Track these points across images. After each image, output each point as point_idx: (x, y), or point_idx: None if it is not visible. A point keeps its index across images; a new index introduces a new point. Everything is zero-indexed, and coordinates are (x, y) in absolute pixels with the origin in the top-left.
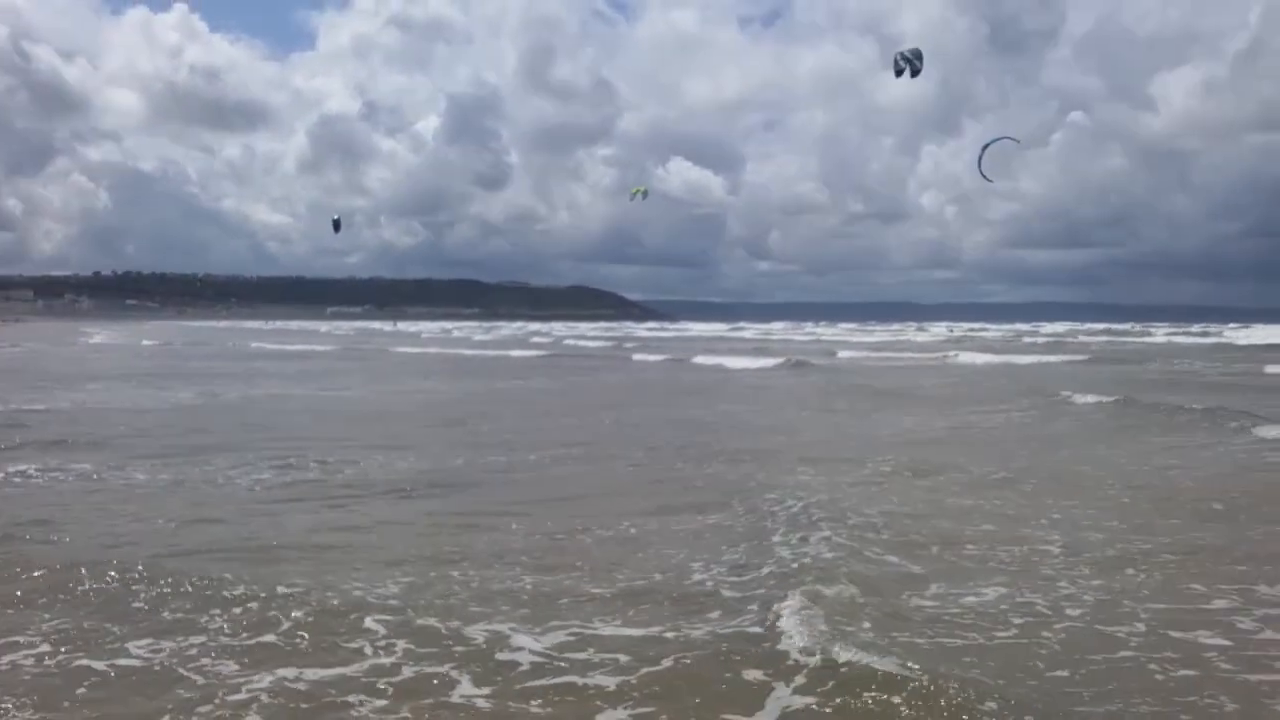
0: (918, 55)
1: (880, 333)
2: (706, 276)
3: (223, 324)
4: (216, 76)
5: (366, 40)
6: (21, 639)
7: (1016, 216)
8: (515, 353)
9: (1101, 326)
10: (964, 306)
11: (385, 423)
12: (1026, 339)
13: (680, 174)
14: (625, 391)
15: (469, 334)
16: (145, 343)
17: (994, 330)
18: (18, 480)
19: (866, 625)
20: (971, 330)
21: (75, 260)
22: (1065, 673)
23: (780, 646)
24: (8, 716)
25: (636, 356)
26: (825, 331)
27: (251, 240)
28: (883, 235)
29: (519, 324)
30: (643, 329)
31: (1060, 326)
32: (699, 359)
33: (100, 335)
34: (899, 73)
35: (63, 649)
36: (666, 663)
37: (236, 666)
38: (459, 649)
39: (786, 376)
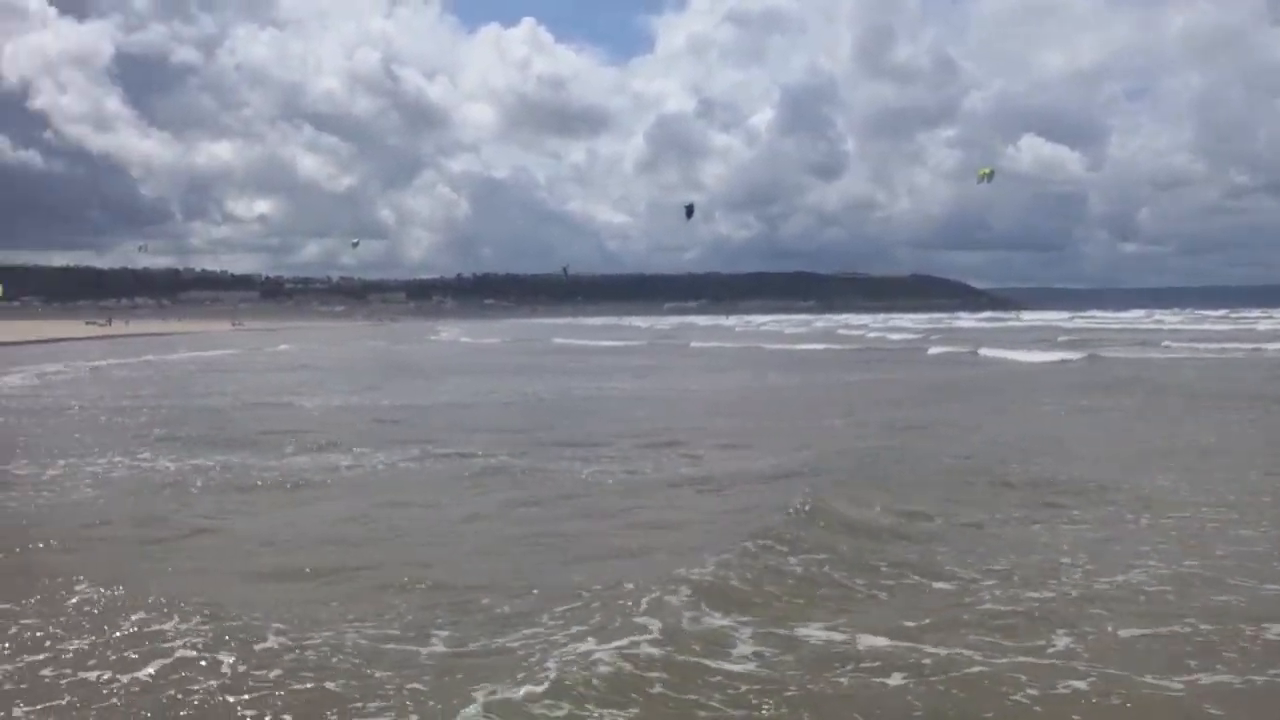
0: None
1: (1249, 320)
2: (1063, 260)
3: (562, 321)
4: (562, 85)
5: (703, 39)
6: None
7: None
8: (805, 346)
9: None
10: None
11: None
12: None
13: (1032, 151)
14: (871, 390)
15: (780, 328)
16: (464, 340)
17: None
18: (389, 465)
19: None
20: None
21: (440, 264)
22: None
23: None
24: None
25: (932, 350)
26: (1176, 319)
27: (595, 240)
28: (1275, 210)
29: (845, 316)
30: (971, 319)
31: None
32: (986, 352)
33: (445, 333)
34: None
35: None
36: None
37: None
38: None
39: (1064, 371)
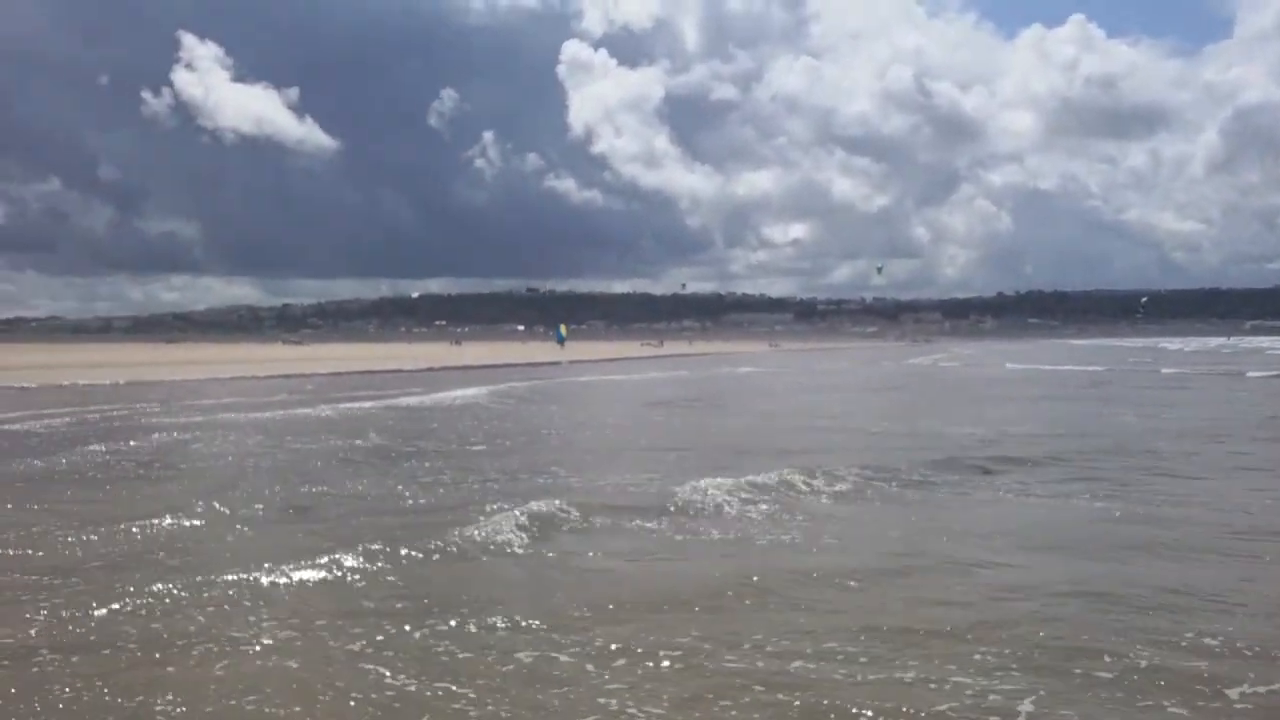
0: None
1: None
2: None
3: (1097, 342)
4: (1112, 84)
5: None
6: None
7: None
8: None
9: None
10: None
11: None
12: None
13: None
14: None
15: None
16: (914, 360)
17: None
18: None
19: None
20: None
21: (978, 282)
22: None
23: None
24: None
25: None
26: None
27: (1157, 251)
28: None
29: None
30: None
31: None
32: None
33: (921, 358)
34: None
35: None
36: None
37: None
38: None
39: None
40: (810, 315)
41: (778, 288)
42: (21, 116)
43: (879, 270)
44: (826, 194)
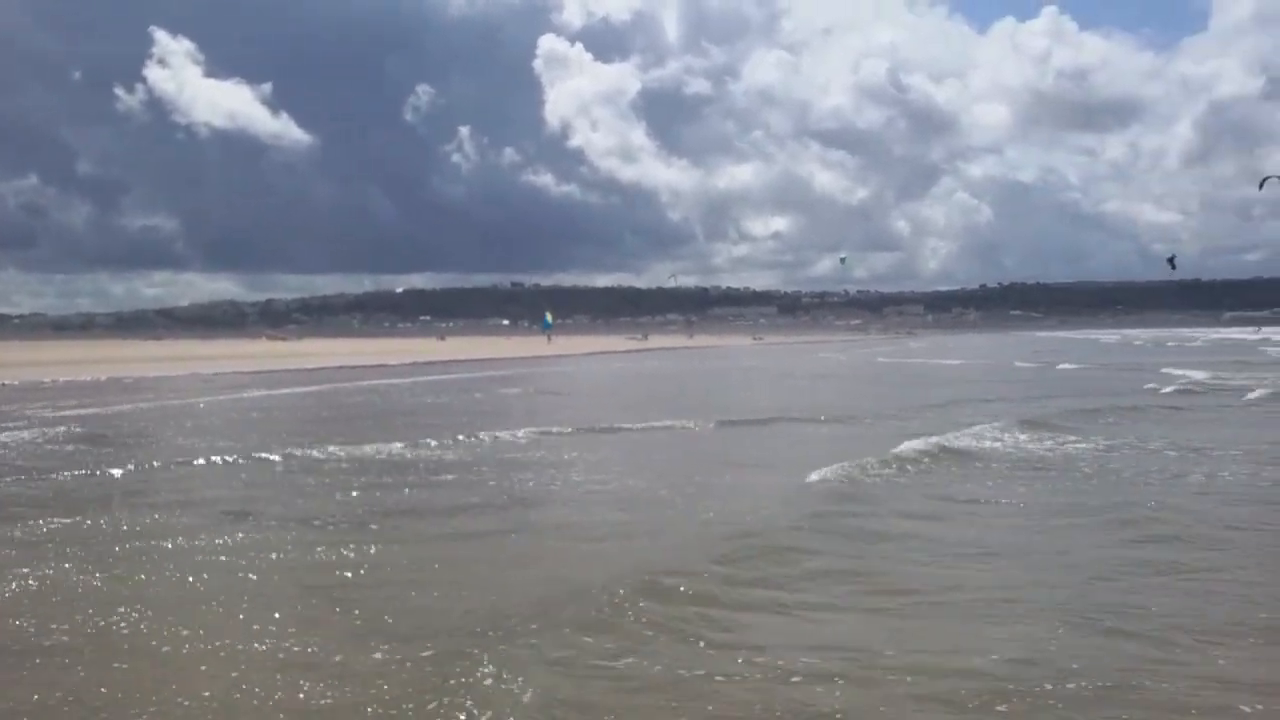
0: None
1: None
2: None
3: (1076, 334)
4: (1085, 76)
5: (1274, 9)
6: None
7: None
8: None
9: None
10: None
11: None
12: None
13: None
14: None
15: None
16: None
17: None
18: None
19: None
20: None
21: (961, 275)
22: None
23: None
24: None
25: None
26: None
27: (1135, 243)
28: None
29: None
30: None
31: None
32: None
33: (832, 352)
34: None
35: None
36: None
37: None
38: None
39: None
40: (794, 308)
41: (760, 281)
42: None
43: (842, 261)
44: (806, 187)
